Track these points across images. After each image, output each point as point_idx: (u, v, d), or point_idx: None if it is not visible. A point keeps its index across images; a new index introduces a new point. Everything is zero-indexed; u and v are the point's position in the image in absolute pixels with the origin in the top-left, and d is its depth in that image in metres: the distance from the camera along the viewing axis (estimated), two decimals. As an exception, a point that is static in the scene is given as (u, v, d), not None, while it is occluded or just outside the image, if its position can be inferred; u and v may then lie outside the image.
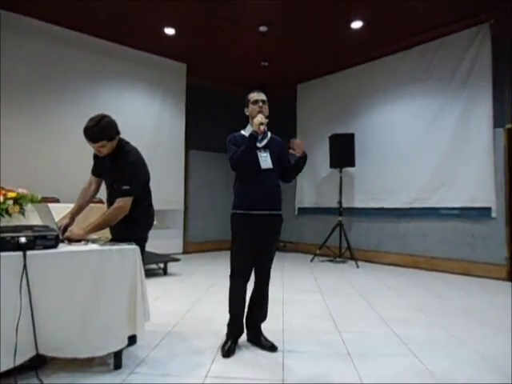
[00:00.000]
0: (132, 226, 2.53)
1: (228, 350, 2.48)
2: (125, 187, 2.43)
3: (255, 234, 2.51)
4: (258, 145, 2.59)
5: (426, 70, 5.85)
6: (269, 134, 2.70)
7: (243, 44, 6.25)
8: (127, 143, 2.63)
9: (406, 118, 6.10)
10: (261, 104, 2.59)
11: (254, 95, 2.64)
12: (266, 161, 2.56)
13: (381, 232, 6.42)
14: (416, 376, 2.18)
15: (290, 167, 2.70)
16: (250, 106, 2.63)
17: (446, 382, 2.10)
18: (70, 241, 2.29)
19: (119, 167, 2.50)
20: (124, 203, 2.43)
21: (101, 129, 2.39)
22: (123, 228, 2.50)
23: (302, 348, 2.60)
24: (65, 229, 2.47)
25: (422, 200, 5.81)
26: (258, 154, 2.56)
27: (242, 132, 2.67)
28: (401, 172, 6.07)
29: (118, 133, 2.53)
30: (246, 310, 2.65)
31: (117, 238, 2.46)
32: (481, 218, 5.22)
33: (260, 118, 2.49)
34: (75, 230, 2.39)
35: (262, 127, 2.46)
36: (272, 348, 2.55)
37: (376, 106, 6.55)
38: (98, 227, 2.38)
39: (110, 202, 2.57)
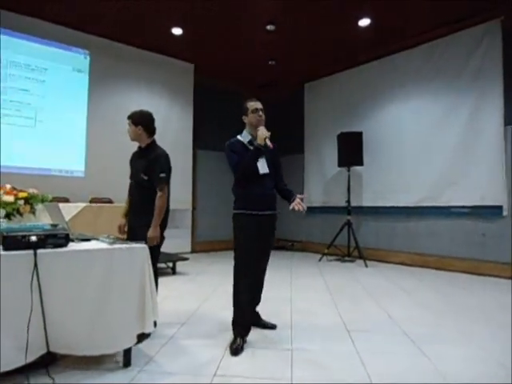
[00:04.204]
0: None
1: (236, 348, 2.49)
2: (162, 175, 2.78)
3: (258, 232, 2.68)
4: None
5: (435, 68, 5.79)
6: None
7: (250, 43, 6.25)
8: (160, 146, 2.97)
9: (414, 115, 6.04)
10: (260, 113, 2.75)
11: (254, 104, 2.77)
12: (263, 166, 2.71)
13: (390, 231, 6.37)
14: (425, 374, 2.16)
15: (285, 190, 2.91)
16: (250, 115, 2.75)
17: (454, 380, 2.08)
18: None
19: (149, 158, 2.83)
20: (164, 192, 2.77)
21: (135, 112, 2.93)
22: (144, 225, 2.70)
23: (310, 347, 2.59)
24: (124, 227, 2.95)
25: (431, 199, 5.75)
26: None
27: (239, 137, 2.82)
28: (410, 170, 6.02)
29: (144, 126, 2.87)
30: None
31: (141, 237, 2.56)
32: (492, 217, 5.15)
33: (265, 132, 2.62)
34: (150, 233, 2.69)
35: (268, 142, 2.60)
36: (272, 326, 2.94)
37: (384, 104, 6.50)
38: (158, 219, 2.74)
39: (138, 192, 2.86)
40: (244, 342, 2.58)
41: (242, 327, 2.63)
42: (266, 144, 2.61)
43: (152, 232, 2.70)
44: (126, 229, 2.96)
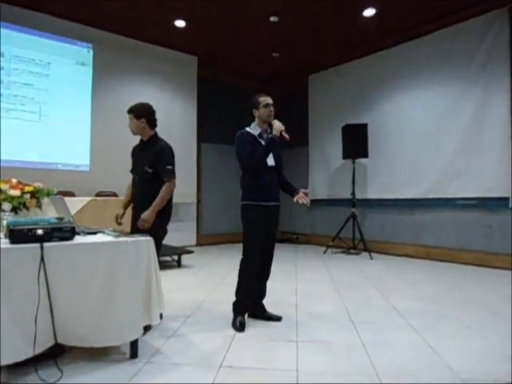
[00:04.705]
0: (158, 216, 2.72)
1: (240, 323, 2.72)
2: (168, 167, 2.76)
3: (266, 221, 2.81)
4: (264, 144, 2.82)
5: (441, 58, 5.71)
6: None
7: (254, 35, 6.20)
8: (162, 139, 2.93)
9: (420, 107, 5.98)
10: (271, 108, 2.84)
11: (266, 99, 2.85)
12: (270, 159, 2.83)
13: (395, 223, 6.35)
14: (432, 367, 2.16)
15: (286, 183, 3.01)
16: (261, 109, 2.83)
17: (459, 371, 2.08)
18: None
19: (153, 150, 2.80)
20: (171, 182, 2.77)
21: (135, 105, 2.86)
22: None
23: (315, 338, 2.60)
24: (121, 218, 2.95)
25: (437, 190, 5.71)
26: None
27: (248, 129, 2.89)
28: (415, 162, 5.97)
29: (147, 118, 2.82)
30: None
31: (143, 229, 2.59)
32: (498, 209, 5.11)
33: (281, 125, 2.72)
34: (144, 215, 2.65)
35: (284, 134, 2.69)
36: (278, 318, 2.94)
37: (390, 95, 6.44)
38: (159, 204, 2.71)
39: (142, 186, 2.84)
40: (244, 318, 2.78)
41: (244, 306, 2.84)
42: (282, 136, 2.69)
43: (146, 215, 2.64)
44: (122, 220, 2.95)
